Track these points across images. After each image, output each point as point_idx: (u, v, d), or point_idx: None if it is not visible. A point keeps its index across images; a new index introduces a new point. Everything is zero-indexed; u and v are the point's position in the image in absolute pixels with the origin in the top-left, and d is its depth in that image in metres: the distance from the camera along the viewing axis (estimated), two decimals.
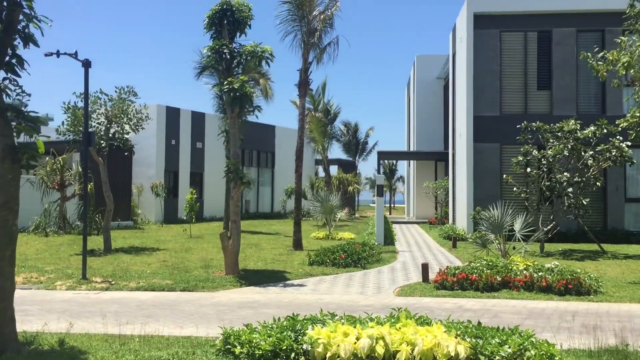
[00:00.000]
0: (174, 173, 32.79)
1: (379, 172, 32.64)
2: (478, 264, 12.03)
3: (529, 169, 16.81)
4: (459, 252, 17.89)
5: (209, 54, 12.98)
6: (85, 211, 12.84)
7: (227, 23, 13.20)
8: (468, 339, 5.96)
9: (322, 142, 31.96)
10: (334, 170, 42.99)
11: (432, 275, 12.50)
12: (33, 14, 6.30)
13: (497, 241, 14.55)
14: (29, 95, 6.64)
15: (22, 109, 6.41)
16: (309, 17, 18.34)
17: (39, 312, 9.31)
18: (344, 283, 12.51)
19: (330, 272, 13.85)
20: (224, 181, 35.86)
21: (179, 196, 32.75)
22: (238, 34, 13.62)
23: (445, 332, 6.18)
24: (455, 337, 5.97)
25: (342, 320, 6.70)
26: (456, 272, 11.68)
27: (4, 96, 6.50)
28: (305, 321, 6.45)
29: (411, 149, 37.76)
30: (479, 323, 6.31)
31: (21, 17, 6.25)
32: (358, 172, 48.07)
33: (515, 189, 17.96)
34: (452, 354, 5.75)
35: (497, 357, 5.70)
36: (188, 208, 21.74)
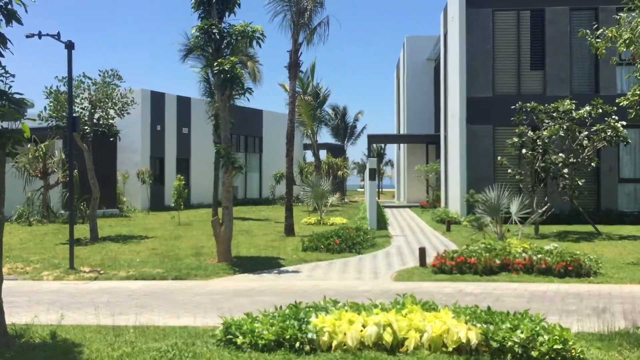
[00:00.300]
0: (160, 159, 32.23)
1: (369, 156, 32.33)
2: (476, 247, 11.80)
3: (524, 150, 16.60)
4: (454, 236, 17.69)
5: (198, 34, 12.51)
6: (71, 199, 12.41)
7: (215, 2, 12.72)
8: (478, 325, 5.70)
9: (311, 126, 31.54)
10: (322, 154, 42.68)
11: (429, 260, 12.28)
12: None
13: (493, 224, 14.36)
14: (13, 76, 6.21)
15: (6, 90, 5.98)
16: None
17: (27, 303, 8.92)
18: (339, 269, 12.24)
19: (325, 257, 13.58)
20: (211, 167, 35.42)
21: (166, 183, 32.24)
22: (227, 13, 13.12)
23: (453, 317, 5.92)
24: (465, 323, 5.71)
25: (346, 308, 6.42)
26: (454, 255, 11.45)
27: None
28: (308, 309, 6.16)
29: (401, 132, 37.47)
30: (489, 308, 6.06)
31: None
32: (346, 156, 47.77)
33: (509, 170, 17.76)
34: (463, 340, 5.49)
35: (510, 343, 5.45)
36: (176, 195, 21.31)
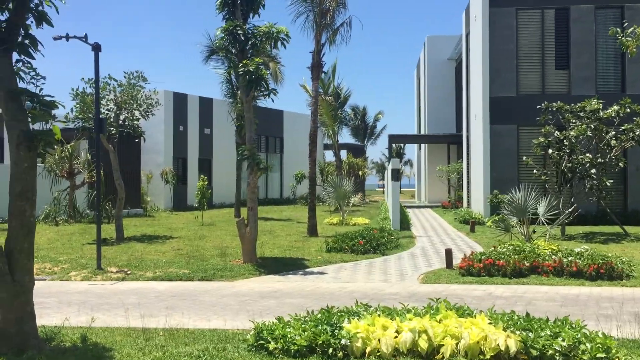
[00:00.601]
0: (183, 160, 32.45)
1: (390, 156, 32.18)
2: (504, 249, 11.65)
3: (550, 151, 16.36)
4: (478, 237, 17.51)
5: (222, 35, 12.53)
6: (98, 199, 12.50)
7: (240, 3, 12.73)
8: (517, 332, 5.59)
9: (332, 126, 31.48)
10: (342, 154, 42.56)
11: (455, 261, 12.16)
12: None
13: (519, 225, 14.18)
14: (44, 78, 6.26)
15: (37, 92, 6.02)
16: None
17: (56, 304, 9.00)
18: (365, 270, 12.17)
19: (350, 258, 13.52)
20: (233, 167, 35.63)
21: (188, 183, 32.47)
22: (251, 14, 13.15)
23: (490, 323, 5.82)
24: (504, 330, 5.61)
25: (378, 312, 6.35)
26: (482, 257, 11.32)
27: (18, 80, 6.12)
28: (340, 314, 6.10)
29: (421, 132, 37.24)
30: (527, 315, 5.94)
31: None
32: (366, 156, 47.61)
33: (535, 171, 17.53)
34: (502, 348, 5.39)
35: (550, 351, 5.34)
36: (199, 195, 21.40)
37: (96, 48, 12.13)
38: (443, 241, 16.85)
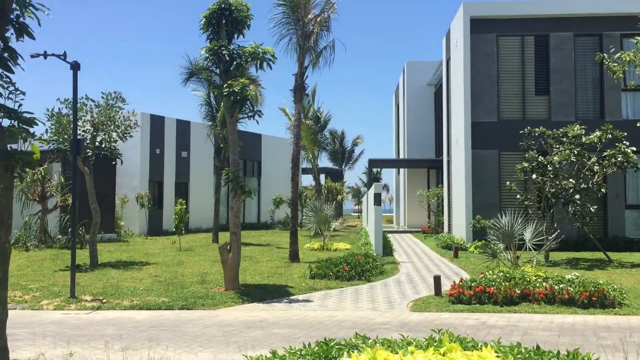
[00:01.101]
0: (159, 183, 31.82)
1: (370, 181, 32.00)
2: (494, 276, 11.40)
3: (534, 176, 16.31)
4: (462, 263, 17.28)
5: (207, 55, 12.23)
6: (74, 223, 11.95)
7: (225, 23, 12.46)
8: None
9: (312, 150, 31.25)
10: (321, 179, 42.28)
11: (443, 288, 11.87)
12: (28, 0, 5.52)
13: (505, 251, 13.99)
14: (23, 93, 5.84)
15: (16, 108, 5.61)
16: (304, 19, 17.69)
17: (28, 336, 8.43)
18: (351, 297, 11.79)
19: (334, 285, 13.14)
20: (210, 191, 35.18)
21: (164, 207, 31.81)
22: (236, 35, 12.90)
23: (498, 357, 5.49)
24: None
25: (377, 345, 5.98)
26: (472, 284, 11.05)
27: None
28: (339, 347, 5.72)
29: (401, 157, 37.23)
30: (538, 347, 5.63)
31: (14, 5, 5.47)
32: (344, 181, 47.47)
33: (518, 196, 17.45)
34: None
35: None
36: (177, 219, 20.84)
37: (75, 67, 11.71)
38: (427, 267, 16.57)
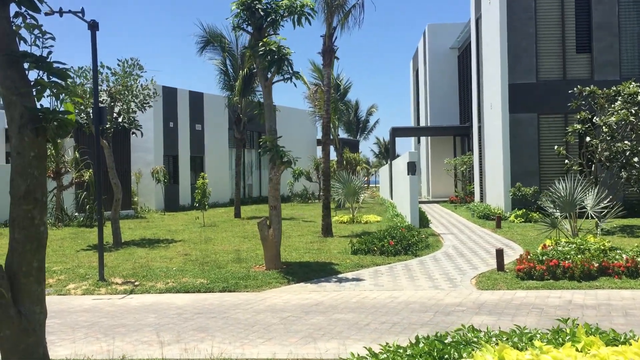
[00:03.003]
0: (174, 157, 30.74)
1: (392, 150, 30.82)
2: (567, 248, 10.30)
3: (587, 138, 15.09)
4: (507, 233, 16.18)
5: (238, 11, 10.98)
6: (99, 199, 10.89)
7: None
8: None
9: (333, 120, 29.97)
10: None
11: (494, 262, 10.78)
12: None
13: (566, 220, 12.88)
14: (53, 38, 4.70)
15: (45, 56, 4.48)
16: None
17: (60, 328, 7.44)
18: (405, 275, 10.74)
19: (381, 261, 12.10)
20: (226, 165, 34.11)
21: (180, 182, 30.80)
22: None
23: None
24: None
25: (494, 340, 4.91)
26: (544, 258, 9.96)
27: (18, 40, 4.56)
28: (456, 345, 4.64)
29: (421, 125, 35.93)
30: None
31: None
32: (360, 151, 46.26)
33: (567, 161, 16.25)
34: None
35: None
36: (200, 194, 19.78)
37: (93, 26, 10.52)
38: (472, 239, 15.50)
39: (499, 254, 10.79)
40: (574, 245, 10.36)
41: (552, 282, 9.52)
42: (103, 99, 15.46)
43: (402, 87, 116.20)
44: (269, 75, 11.22)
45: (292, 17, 11.07)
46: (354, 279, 10.46)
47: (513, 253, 12.63)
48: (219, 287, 9.84)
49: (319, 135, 43.42)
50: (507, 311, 7.82)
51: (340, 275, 10.81)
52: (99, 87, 15.35)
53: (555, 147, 16.63)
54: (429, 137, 32.73)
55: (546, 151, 19.99)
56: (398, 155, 30.18)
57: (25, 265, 4.30)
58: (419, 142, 37.49)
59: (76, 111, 14.69)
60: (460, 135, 30.18)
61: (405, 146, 59.72)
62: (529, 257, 10.20)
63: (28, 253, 4.30)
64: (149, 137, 28.55)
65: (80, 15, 9.88)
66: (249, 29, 11.41)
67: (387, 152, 71.80)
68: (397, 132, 30.68)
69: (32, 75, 4.60)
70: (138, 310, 8.41)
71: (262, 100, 20.54)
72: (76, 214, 21.23)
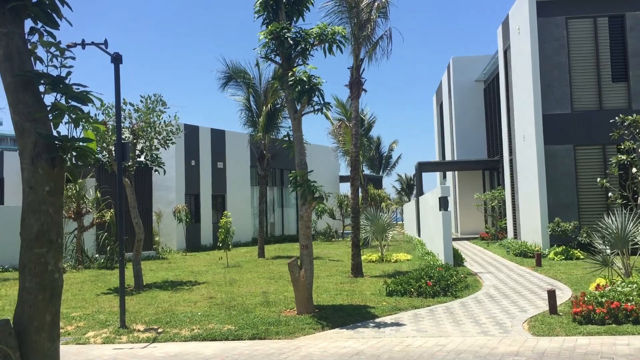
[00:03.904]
0: (195, 196, 30.27)
1: (419, 186, 30.05)
2: (627, 289, 9.41)
3: (634, 169, 14.25)
4: (549, 272, 15.23)
5: (266, 40, 10.52)
6: (121, 240, 10.30)
7: (284, 2, 10.77)
8: None
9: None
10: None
11: (542, 304, 9.89)
12: None
13: (618, 257, 11.96)
14: (73, 58, 4.16)
15: (62, 77, 3.93)
16: (359, 6, 15.95)
17: None
18: (448, 319, 9.90)
19: (419, 304, 11.26)
20: (248, 203, 33.59)
21: (202, 221, 30.25)
22: (295, 18, 11.23)
23: None
24: None
25: None
26: (603, 300, 9.07)
27: (33, 60, 4.04)
28: None
29: (447, 159, 35.17)
30: None
31: None
32: (383, 188, 45.51)
33: (610, 194, 15.38)
34: None
35: None
36: (223, 233, 19.14)
37: (116, 59, 10.12)
38: (512, 278, 14.58)
39: (551, 295, 9.90)
40: (635, 285, 9.46)
41: (614, 326, 8.63)
42: (125, 137, 15.05)
43: (422, 122, 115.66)
44: (299, 107, 10.67)
45: (322, 45, 10.58)
46: (392, 324, 9.65)
47: (561, 294, 11.72)
48: (248, 334, 9.10)
49: (342, 172, 42.97)
50: None
51: (377, 320, 10.01)
52: (122, 124, 14.99)
53: (598, 179, 15.78)
54: (456, 172, 31.94)
55: (584, 184, 19.12)
56: (422, 192, 29.47)
57: (37, 319, 3.64)
58: (444, 177, 36.68)
59: (98, 149, 14.28)
60: (489, 169, 29.35)
61: (429, 182, 58.36)
62: (585, 299, 9.31)
63: (40, 304, 3.66)
64: (170, 175, 28.15)
65: (103, 47, 9.47)
66: (277, 59, 10.94)
67: (410, 188, 70.90)
68: (423, 167, 29.95)
69: (49, 99, 4.05)
70: None
71: (286, 134, 20.11)
72: (97, 255, 20.70)
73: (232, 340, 8.96)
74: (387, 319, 10.10)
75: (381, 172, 47.51)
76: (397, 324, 9.62)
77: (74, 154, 3.84)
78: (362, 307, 11.08)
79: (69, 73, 4.03)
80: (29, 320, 3.61)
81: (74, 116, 4.00)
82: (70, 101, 3.97)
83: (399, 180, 77.08)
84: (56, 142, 3.78)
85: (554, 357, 7.22)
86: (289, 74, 10.25)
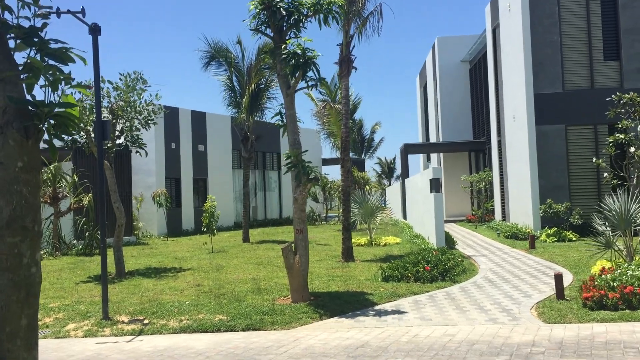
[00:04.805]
0: (176, 180, 29.42)
1: (405, 167, 29.64)
2: (638, 272, 9.00)
3: (632, 149, 13.87)
4: (545, 254, 14.88)
5: (257, 10, 9.82)
6: (102, 225, 9.59)
7: None
8: None
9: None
10: (335, 169, 39.84)
11: (545, 288, 9.48)
12: None
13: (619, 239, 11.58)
14: (50, 8, 3.50)
15: (38, 28, 3.27)
16: None
17: None
18: (451, 305, 9.43)
19: (418, 289, 10.78)
20: (229, 186, 32.83)
21: (182, 206, 29.45)
22: None
23: None
24: None
25: None
26: (615, 284, 8.66)
27: (1, 11, 3.36)
28: None
29: (431, 141, 34.75)
30: None
31: None
32: (366, 170, 45.03)
33: (605, 174, 15.02)
34: None
35: None
36: (207, 218, 18.45)
37: (95, 30, 9.34)
38: (508, 262, 14.20)
39: (558, 279, 9.48)
40: None
41: (629, 312, 8.22)
42: (104, 117, 14.23)
43: (404, 104, 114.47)
44: (292, 82, 10.01)
45: (316, 16, 9.91)
46: (393, 312, 9.15)
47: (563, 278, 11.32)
48: (242, 325, 8.51)
49: (325, 154, 42.35)
50: (597, 352, 6.50)
51: (377, 307, 9.50)
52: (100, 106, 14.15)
53: (594, 159, 15.41)
54: (441, 154, 31.54)
55: (576, 164, 18.81)
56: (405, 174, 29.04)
57: (10, 323, 3.00)
58: (428, 159, 36.30)
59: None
60: (475, 151, 28.98)
61: (412, 164, 58.02)
62: (595, 283, 8.90)
63: (14, 306, 3.01)
64: (150, 158, 27.21)
65: (79, 16, 8.68)
66: (268, 31, 10.24)
67: (390, 172, 70.57)
68: (409, 148, 29.46)
69: (21, 58, 3.37)
70: (151, 358, 7.08)
71: (278, 112, 19.35)
72: (74, 241, 19.88)
73: (225, 331, 8.38)
74: (387, 306, 9.60)
75: (363, 155, 47.03)
76: (399, 312, 9.12)
77: (53, 122, 3.18)
78: (359, 293, 10.56)
79: (44, 25, 3.36)
80: (1, 325, 2.96)
81: (51, 78, 3.33)
82: (46, 59, 3.31)
83: (379, 164, 76.88)
84: (30, 107, 3.12)
85: (574, 347, 6.76)
86: (282, 46, 9.57)
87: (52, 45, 3.36)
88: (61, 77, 3.30)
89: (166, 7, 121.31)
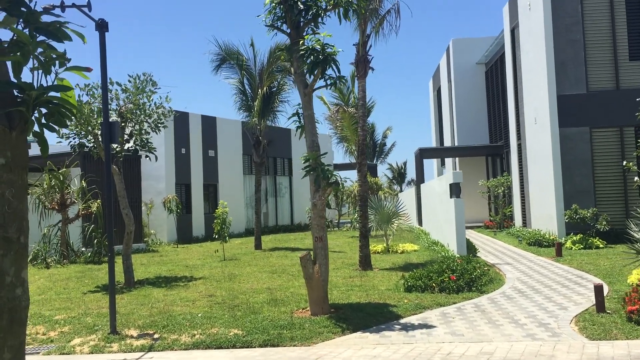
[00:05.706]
0: (186, 186, 28.91)
1: (419, 174, 28.97)
2: None
3: None
4: (573, 263, 14.16)
5: (272, 5, 9.26)
6: (110, 231, 9.03)
7: None
8: None
9: (355, 142, 28.15)
10: (348, 174, 39.27)
11: (581, 300, 8.80)
12: None
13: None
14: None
15: (27, 1, 2.69)
16: None
17: None
18: (482, 318, 8.78)
19: (444, 300, 10.14)
20: (240, 192, 32.26)
21: (193, 212, 28.92)
22: None
23: None
24: None
25: None
26: None
27: None
28: None
29: (446, 145, 34.03)
30: None
31: None
32: (378, 176, 44.37)
33: (636, 178, 14.31)
34: None
35: None
36: (219, 224, 17.88)
37: (102, 26, 8.81)
38: (535, 270, 13.51)
39: (599, 291, 8.81)
40: None
41: None
42: (113, 119, 13.71)
43: (413, 108, 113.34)
44: (310, 80, 9.43)
45: (336, 10, 9.33)
46: (421, 325, 8.51)
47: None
48: (259, 341, 7.91)
49: (336, 160, 41.75)
50: None
51: (402, 321, 8.86)
52: (109, 105, 13.64)
53: (624, 162, 14.71)
54: (457, 159, 30.82)
55: (602, 168, 18.09)
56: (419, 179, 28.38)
57: None
58: (442, 164, 35.59)
59: (81, 134, 12.95)
60: (492, 155, 28.25)
61: (425, 169, 57.18)
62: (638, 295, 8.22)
63: None
64: (159, 164, 26.74)
65: (85, 9, 8.15)
66: (284, 27, 9.67)
67: (401, 177, 69.81)
68: (424, 153, 28.78)
69: (6, 34, 2.80)
70: None
71: (295, 112, 18.74)
72: (83, 249, 19.37)
73: (241, 347, 7.78)
74: (413, 319, 8.96)
75: (375, 160, 46.39)
76: (426, 326, 8.48)
77: (44, 110, 2.60)
78: (381, 305, 9.93)
79: None
80: None
81: (44, 59, 2.76)
82: (37, 35, 2.73)
83: (390, 169, 76.16)
84: (16, 92, 2.55)
85: None
86: (300, 42, 8.99)
87: (45, 18, 2.80)
88: (54, 57, 2.72)
89: (174, 10, 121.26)
